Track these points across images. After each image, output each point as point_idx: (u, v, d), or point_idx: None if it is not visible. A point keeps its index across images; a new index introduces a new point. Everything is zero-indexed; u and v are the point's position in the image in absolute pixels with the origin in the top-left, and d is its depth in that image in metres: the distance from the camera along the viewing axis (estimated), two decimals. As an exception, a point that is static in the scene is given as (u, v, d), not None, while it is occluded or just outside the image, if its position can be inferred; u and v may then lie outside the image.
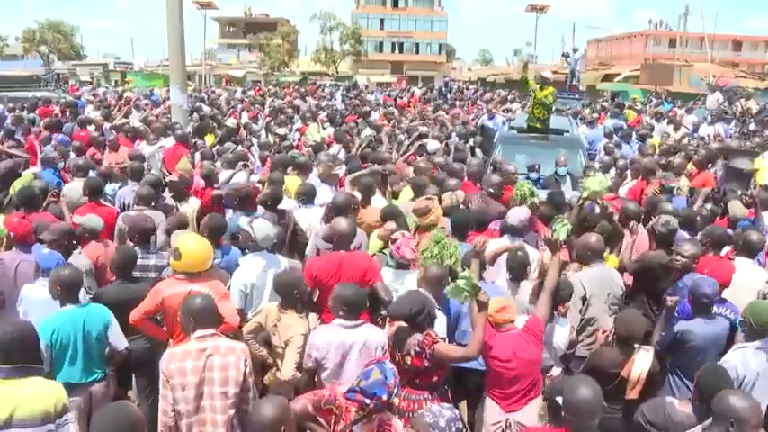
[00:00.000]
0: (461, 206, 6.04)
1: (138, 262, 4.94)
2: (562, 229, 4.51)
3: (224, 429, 3.39)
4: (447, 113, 16.05)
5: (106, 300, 4.49)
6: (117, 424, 2.58)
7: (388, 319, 4.13)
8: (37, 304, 4.30)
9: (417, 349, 3.57)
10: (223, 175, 7.30)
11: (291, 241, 5.68)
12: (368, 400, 2.94)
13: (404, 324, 3.69)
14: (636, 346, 3.97)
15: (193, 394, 3.35)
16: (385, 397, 2.95)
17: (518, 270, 4.68)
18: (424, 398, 3.67)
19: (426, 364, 3.58)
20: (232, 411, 3.42)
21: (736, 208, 6.16)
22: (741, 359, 3.85)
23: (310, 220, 5.96)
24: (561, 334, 4.33)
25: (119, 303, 4.37)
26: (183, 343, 3.48)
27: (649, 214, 5.93)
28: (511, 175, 7.21)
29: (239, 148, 9.09)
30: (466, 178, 7.35)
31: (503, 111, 15.63)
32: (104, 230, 5.84)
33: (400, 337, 3.67)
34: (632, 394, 3.87)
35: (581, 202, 5.30)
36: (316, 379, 3.93)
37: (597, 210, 5.56)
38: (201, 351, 3.39)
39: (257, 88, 26.89)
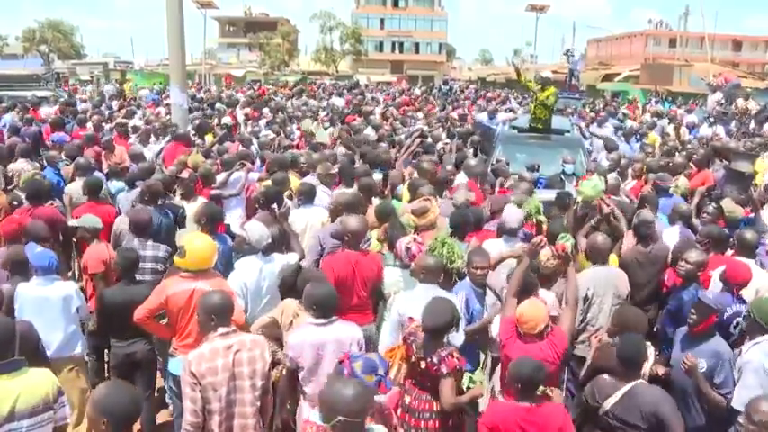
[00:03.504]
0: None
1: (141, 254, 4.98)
2: (566, 243, 4.52)
3: (254, 420, 3.47)
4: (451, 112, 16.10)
5: (110, 302, 4.52)
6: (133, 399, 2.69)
7: (400, 312, 4.17)
8: (30, 302, 4.36)
9: (436, 359, 3.60)
10: (221, 174, 7.30)
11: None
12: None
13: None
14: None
15: (225, 391, 3.39)
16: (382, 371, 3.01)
17: (527, 289, 4.52)
18: (434, 399, 3.70)
19: (435, 375, 3.62)
20: (259, 403, 3.50)
21: (732, 207, 6.16)
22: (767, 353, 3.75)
23: (308, 219, 5.97)
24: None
25: (123, 305, 4.38)
26: (206, 342, 3.47)
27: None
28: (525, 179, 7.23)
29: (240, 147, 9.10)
30: (465, 178, 7.35)
31: (505, 110, 15.65)
32: (104, 229, 5.84)
33: (425, 342, 3.68)
34: None
35: (576, 206, 5.32)
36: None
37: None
38: (228, 348, 3.43)
39: (261, 88, 26.80)
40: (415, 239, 4.86)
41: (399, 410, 3.80)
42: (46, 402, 3.14)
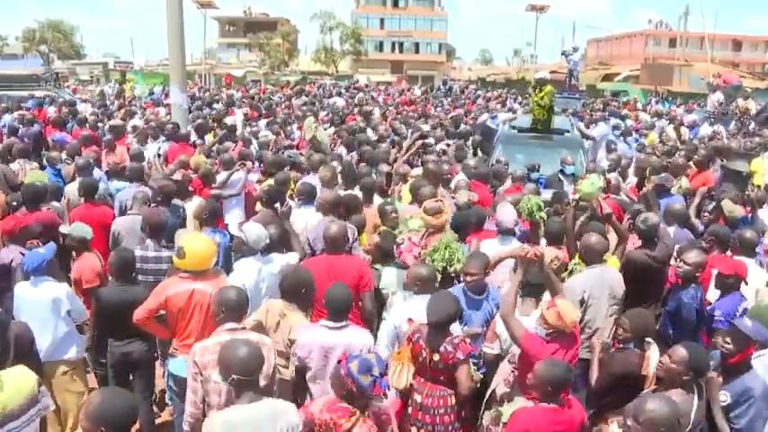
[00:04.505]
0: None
1: (152, 254, 5.03)
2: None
3: None
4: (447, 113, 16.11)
5: (106, 302, 4.50)
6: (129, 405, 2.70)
7: (395, 324, 4.13)
8: (26, 303, 4.36)
9: (450, 347, 3.61)
10: (222, 174, 7.29)
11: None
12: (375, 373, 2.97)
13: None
14: (647, 341, 3.95)
15: (226, 387, 3.36)
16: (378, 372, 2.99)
17: (532, 286, 4.52)
18: (448, 394, 3.71)
19: (451, 362, 3.62)
20: None
21: (731, 207, 6.15)
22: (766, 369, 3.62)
23: (308, 219, 5.96)
24: None
25: (119, 305, 4.38)
26: (214, 335, 3.50)
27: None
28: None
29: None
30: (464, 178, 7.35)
31: (506, 111, 15.67)
32: (101, 230, 5.85)
33: (431, 336, 3.69)
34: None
35: (575, 204, 5.31)
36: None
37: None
38: None
39: (262, 88, 26.84)
40: (409, 238, 4.82)
41: (411, 409, 3.79)
42: (32, 399, 3.13)
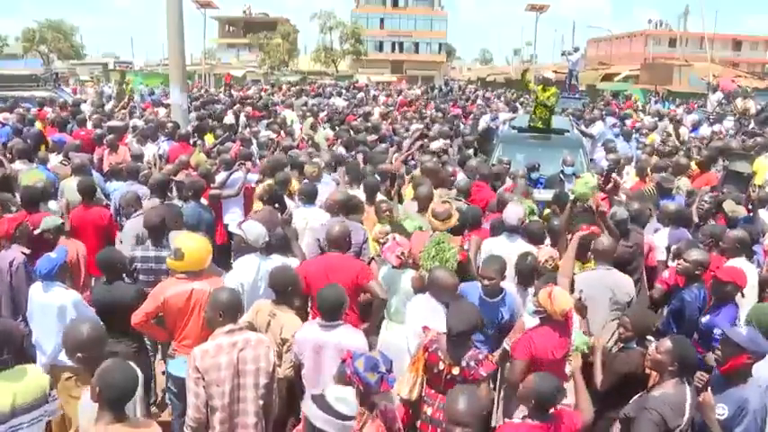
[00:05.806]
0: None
1: (153, 254, 5.03)
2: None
3: (255, 419, 3.48)
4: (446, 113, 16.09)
5: (91, 301, 4.50)
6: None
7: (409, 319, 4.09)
8: (38, 306, 4.35)
9: (473, 363, 3.52)
10: (221, 174, 7.28)
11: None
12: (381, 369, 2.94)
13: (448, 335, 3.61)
14: (649, 339, 3.94)
15: (229, 388, 3.41)
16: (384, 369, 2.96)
17: (527, 275, 4.59)
18: None
19: (472, 378, 3.52)
20: (261, 402, 3.51)
21: (733, 207, 6.12)
22: None
23: (308, 219, 5.96)
24: None
25: (104, 304, 4.38)
26: (211, 338, 3.50)
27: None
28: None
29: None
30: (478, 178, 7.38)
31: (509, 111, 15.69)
32: (96, 231, 5.83)
33: (451, 348, 3.59)
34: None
35: (571, 204, 5.31)
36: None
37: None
38: (233, 345, 3.46)
39: (263, 87, 26.89)
40: (394, 237, 4.79)
41: (420, 422, 3.71)
42: (42, 397, 3.18)
